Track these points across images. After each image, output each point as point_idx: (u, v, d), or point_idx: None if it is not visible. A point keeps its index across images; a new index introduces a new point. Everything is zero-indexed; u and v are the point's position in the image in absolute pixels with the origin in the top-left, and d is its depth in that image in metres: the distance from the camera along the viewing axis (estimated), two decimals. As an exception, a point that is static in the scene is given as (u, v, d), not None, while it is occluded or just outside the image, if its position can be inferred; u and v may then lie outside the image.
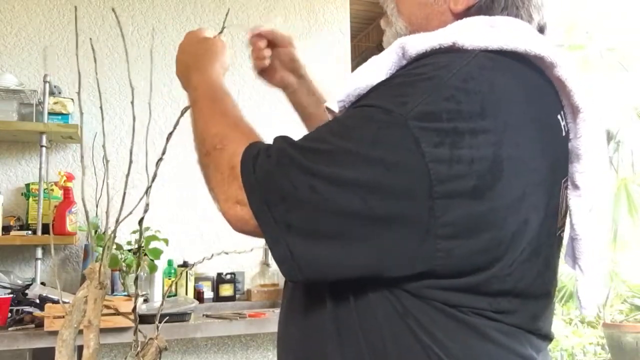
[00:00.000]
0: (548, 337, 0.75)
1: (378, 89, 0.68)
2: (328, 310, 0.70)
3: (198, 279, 2.62)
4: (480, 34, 0.68)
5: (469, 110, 0.62)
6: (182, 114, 0.89)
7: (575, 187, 0.72)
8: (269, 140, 0.75)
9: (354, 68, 3.81)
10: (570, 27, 6.22)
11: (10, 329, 1.89)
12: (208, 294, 2.62)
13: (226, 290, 2.65)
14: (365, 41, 5.72)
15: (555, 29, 6.48)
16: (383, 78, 0.69)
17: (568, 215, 0.74)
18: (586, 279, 0.74)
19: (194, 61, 0.96)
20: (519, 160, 0.64)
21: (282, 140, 0.70)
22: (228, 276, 2.67)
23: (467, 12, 0.75)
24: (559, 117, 0.71)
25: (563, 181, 0.72)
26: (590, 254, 0.73)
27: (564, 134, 0.71)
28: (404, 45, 0.69)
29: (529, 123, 0.66)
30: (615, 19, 6.05)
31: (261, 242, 1.32)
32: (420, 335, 0.65)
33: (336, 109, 0.73)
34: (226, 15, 1.13)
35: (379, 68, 0.70)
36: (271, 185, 0.65)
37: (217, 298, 2.63)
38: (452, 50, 0.67)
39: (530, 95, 0.67)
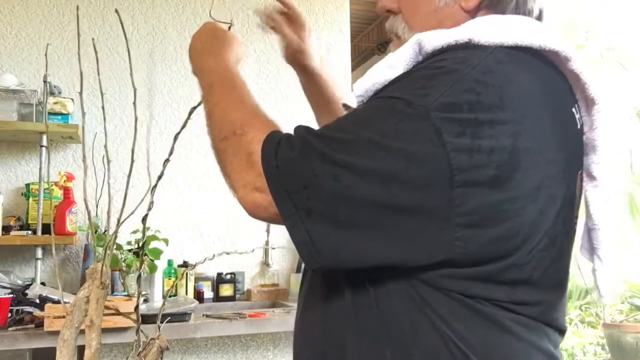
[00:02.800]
0: (563, 331, 0.76)
1: (398, 81, 0.68)
2: (347, 301, 0.70)
3: (198, 279, 2.62)
4: (495, 31, 0.69)
5: (488, 101, 0.63)
6: (190, 115, 0.89)
7: (592, 178, 0.74)
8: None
9: (354, 68, 3.81)
10: (570, 27, 6.23)
11: (10, 329, 1.89)
12: (208, 294, 2.62)
13: (226, 290, 2.65)
14: (365, 41, 5.72)
15: (555, 29, 6.48)
16: (400, 72, 0.70)
17: (585, 206, 0.75)
18: (605, 268, 0.75)
19: (210, 46, 0.92)
20: (536, 151, 0.65)
21: (304, 130, 0.68)
22: (228, 276, 2.67)
23: (479, 8, 0.77)
24: (573, 110, 0.72)
25: (579, 173, 0.73)
26: (609, 243, 0.74)
27: (578, 127, 0.73)
28: (420, 41, 0.70)
29: (545, 116, 0.68)
30: (615, 19, 6.05)
31: (262, 242, 1.32)
32: (440, 326, 0.66)
33: (354, 105, 0.73)
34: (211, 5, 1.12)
35: (396, 63, 0.71)
36: (293, 172, 0.65)
37: (217, 298, 2.63)
38: (468, 47, 0.68)
39: (546, 89, 0.69)
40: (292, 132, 0.69)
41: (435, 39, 0.69)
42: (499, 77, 0.65)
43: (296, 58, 1.15)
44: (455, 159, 0.61)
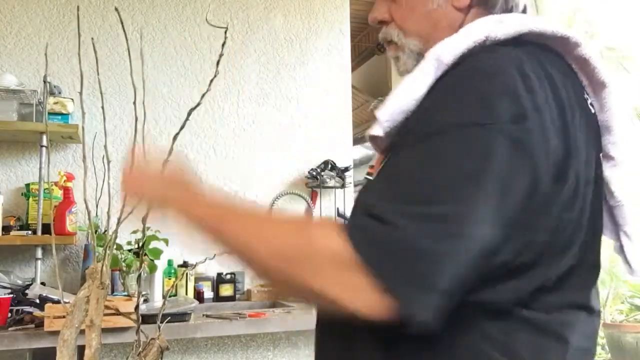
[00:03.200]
0: (599, 312, 0.76)
1: (441, 104, 0.66)
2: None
3: (198, 279, 2.62)
4: (507, 24, 0.70)
5: (540, 103, 0.64)
6: (188, 115, 0.89)
7: (610, 158, 0.75)
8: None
9: (354, 68, 3.80)
10: (570, 27, 6.22)
11: (10, 329, 1.88)
12: (208, 294, 2.62)
13: (226, 290, 2.64)
14: (365, 41, 5.71)
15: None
16: (424, 91, 0.68)
17: (605, 186, 0.76)
18: (635, 243, 0.75)
19: (181, 198, 0.82)
20: (575, 142, 0.67)
21: (384, 203, 0.61)
22: (228, 276, 2.67)
23: (470, 5, 0.79)
24: (585, 96, 0.74)
25: (601, 155, 0.75)
26: (635, 218, 0.75)
27: (593, 111, 0.75)
28: (438, 56, 0.69)
29: (574, 107, 0.69)
30: (616, 19, 6.05)
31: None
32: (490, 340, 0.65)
33: (381, 133, 0.71)
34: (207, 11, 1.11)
35: (418, 83, 0.69)
36: (406, 256, 0.58)
37: (217, 298, 2.63)
38: (486, 46, 0.69)
39: (565, 81, 0.70)
40: (365, 208, 0.62)
41: (452, 47, 0.69)
42: (535, 79, 0.65)
43: None
44: (539, 165, 0.62)
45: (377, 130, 0.71)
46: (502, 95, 0.63)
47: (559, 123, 0.65)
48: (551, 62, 0.70)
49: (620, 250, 0.76)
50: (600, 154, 0.75)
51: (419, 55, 0.80)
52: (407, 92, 0.69)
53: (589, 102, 0.74)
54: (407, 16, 0.82)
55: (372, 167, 0.84)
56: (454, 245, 0.58)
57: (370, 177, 0.80)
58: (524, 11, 0.82)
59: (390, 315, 0.58)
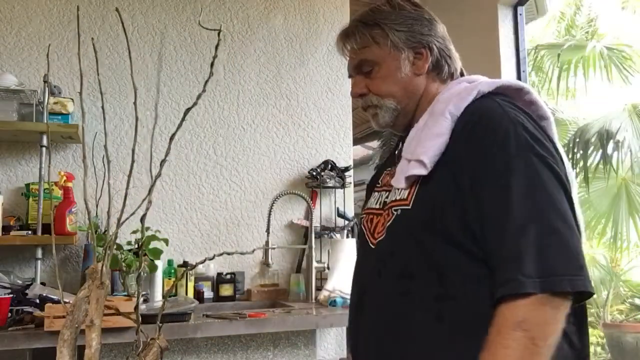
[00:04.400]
0: None
1: (489, 151, 0.90)
2: None
3: (198, 279, 2.62)
4: (486, 84, 0.99)
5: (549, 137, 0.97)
6: (184, 115, 0.88)
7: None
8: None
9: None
10: (571, 27, 6.22)
11: (10, 329, 1.88)
12: (208, 294, 2.62)
13: (226, 290, 2.64)
14: (365, 41, 5.70)
15: (556, 29, 6.48)
16: (447, 138, 0.94)
17: None
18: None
19: None
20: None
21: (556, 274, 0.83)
22: (228, 276, 2.67)
23: (428, 72, 1.07)
24: None
25: None
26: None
27: None
28: (450, 111, 0.95)
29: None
30: (616, 19, 6.04)
31: (262, 242, 1.32)
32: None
33: (426, 172, 0.94)
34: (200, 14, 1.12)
35: (442, 133, 0.94)
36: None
37: (217, 298, 2.63)
38: (478, 98, 0.96)
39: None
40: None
41: (457, 104, 0.95)
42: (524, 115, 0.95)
43: None
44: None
45: (422, 170, 0.94)
46: (523, 135, 0.90)
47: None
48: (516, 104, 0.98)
49: None
50: None
51: (394, 111, 1.07)
52: (439, 141, 0.93)
53: None
54: (382, 86, 1.07)
55: (402, 199, 1.00)
56: (563, 238, 0.85)
57: (407, 207, 0.97)
58: (462, 74, 1.12)
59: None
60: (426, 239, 0.93)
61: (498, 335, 0.81)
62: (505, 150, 0.88)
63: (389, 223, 0.99)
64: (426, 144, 0.94)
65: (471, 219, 0.89)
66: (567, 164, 0.97)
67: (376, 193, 1.10)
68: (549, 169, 0.87)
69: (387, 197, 1.04)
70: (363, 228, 1.09)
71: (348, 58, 1.13)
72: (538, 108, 1.01)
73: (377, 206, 1.06)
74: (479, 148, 0.91)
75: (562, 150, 0.98)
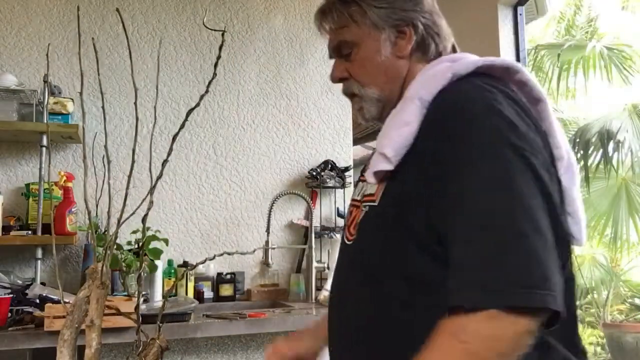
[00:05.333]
0: None
1: (459, 139, 0.79)
2: None
3: (198, 279, 2.62)
4: (464, 63, 0.87)
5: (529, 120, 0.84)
6: (187, 116, 0.88)
7: (554, 158, 0.87)
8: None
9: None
10: (571, 27, 6.22)
11: (10, 329, 1.88)
12: (208, 294, 2.62)
13: (226, 290, 2.64)
14: (365, 41, 5.70)
15: (556, 29, 6.48)
16: (417, 127, 0.83)
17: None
18: (576, 219, 0.88)
19: None
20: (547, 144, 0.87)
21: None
22: (228, 276, 2.67)
23: (411, 53, 0.96)
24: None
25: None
26: (575, 199, 0.90)
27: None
28: (420, 97, 0.85)
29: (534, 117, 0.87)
30: (616, 19, 6.04)
31: (262, 242, 1.32)
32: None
33: (392, 167, 0.85)
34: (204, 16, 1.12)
35: (409, 121, 0.84)
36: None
37: (217, 298, 2.63)
38: (454, 80, 0.85)
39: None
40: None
41: (429, 89, 0.85)
42: (513, 100, 0.83)
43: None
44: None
45: (386, 165, 0.84)
46: (507, 123, 0.79)
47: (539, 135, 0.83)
48: (505, 85, 0.86)
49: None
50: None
51: (378, 101, 0.98)
52: (405, 130, 0.83)
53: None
54: (361, 71, 0.98)
55: (371, 195, 0.92)
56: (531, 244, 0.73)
57: (374, 203, 0.89)
58: (454, 50, 1.00)
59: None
60: (393, 238, 0.85)
61: (433, 344, 0.73)
62: (474, 141, 0.78)
63: (359, 220, 0.93)
64: (391, 134, 0.85)
65: (435, 218, 0.80)
66: (565, 153, 0.87)
67: (360, 183, 1.02)
68: (524, 162, 0.76)
69: (364, 190, 0.96)
70: (346, 220, 1.03)
71: (327, 38, 1.02)
72: (531, 89, 0.90)
73: (358, 198, 0.98)
74: (446, 138, 0.80)
75: (559, 136, 0.88)
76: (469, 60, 0.88)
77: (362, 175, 1.03)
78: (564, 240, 0.81)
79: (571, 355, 0.82)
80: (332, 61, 1.04)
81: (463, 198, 0.76)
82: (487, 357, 0.70)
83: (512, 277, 0.70)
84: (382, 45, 0.96)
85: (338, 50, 1.00)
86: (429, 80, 0.86)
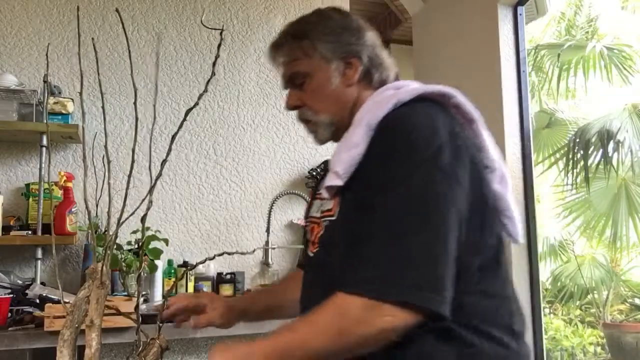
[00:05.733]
0: None
1: (390, 158, 0.88)
2: None
3: (198, 279, 2.62)
4: (408, 90, 0.96)
5: (461, 139, 0.93)
6: (186, 116, 0.88)
7: (487, 167, 0.98)
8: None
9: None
10: (571, 27, 6.21)
11: (10, 329, 1.88)
12: (208, 294, 2.62)
13: (226, 290, 2.64)
14: (365, 41, 5.70)
15: (556, 29, 6.48)
16: (364, 148, 0.91)
17: (487, 185, 0.97)
18: (514, 221, 1.01)
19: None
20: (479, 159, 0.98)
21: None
22: (228, 276, 2.67)
23: (358, 81, 1.06)
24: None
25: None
26: (512, 204, 1.02)
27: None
28: (368, 122, 0.93)
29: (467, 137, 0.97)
30: (616, 19, 6.04)
31: (262, 242, 1.32)
32: None
33: (342, 183, 0.93)
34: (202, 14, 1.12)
35: (359, 143, 0.92)
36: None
37: (217, 298, 2.63)
38: (398, 107, 0.93)
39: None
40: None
41: (376, 114, 0.93)
42: (448, 121, 0.93)
43: (233, 321, 1.26)
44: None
45: (337, 181, 0.93)
46: (436, 141, 0.87)
47: (473, 151, 0.93)
48: (444, 108, 0.97)
49: (504, 228, 1.00)
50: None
51: (330, 126, 1.06)
52: (354, 151, 0.92)
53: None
54: (314, 99, 1.06)
55: (329, 210, 1.01)
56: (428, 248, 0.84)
57: (332, 217, 0.98)
58: (397, 78, 1.10)
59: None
60: (348, 252, 0.91)
61: (322, 307, 0.84)
62: (404, 158, 0.87)
63: (320, 234, 1.01)
64: (342, 155, 0.94)
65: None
66: (498, 165, 0.99)
67: (317, 201, 1.10)
68: (448, 182, 0.85)
69: (322, 206, 1.05)
70: (307, 236, 1.11)
71: (281, 71, 1.11)
72: (465, 111, 1.00)
73: (317, 215, 1.07)
74: (384, 155, 0.89)
75: (492, 151, 1.00)
76: (411, 88, 0.98)
77: (317, 193, 1.13)
78: (494, 239, 0.95)
79: (477, 340, 0.88)
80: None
81: (386, 208, 0.85)
82: (350, 336, 0.82)
83: (408, 279, 0.80)
84: (332, 75, 1.05)
85: (292, 81, 1.09)
86: (375, 107, 0.95)
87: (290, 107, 1.10)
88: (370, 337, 0.82)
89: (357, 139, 0.93)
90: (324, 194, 0.98)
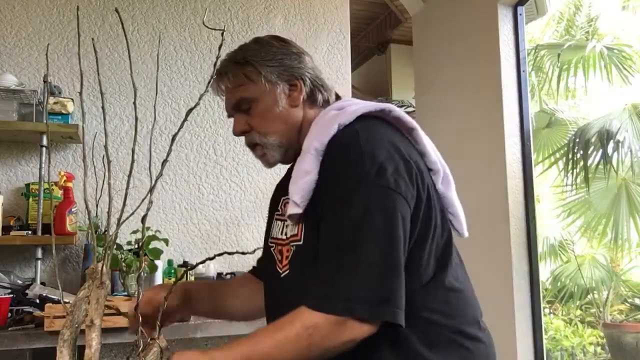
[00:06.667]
0: None
1: (341, 182, 0.94)
2: None
3: (198, 279, 2.62)
4: (350, 112, 1.01)
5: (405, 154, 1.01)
6: (187, 116, 0.88)
7: (430, 170, 1.05)
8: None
9: (354, 68, 3.81)
10: (571, 27, 6.21)
11: (10, 329, 1.88)
12: (208, 294, 2.61)
13: (226, 290, 2.64)
14: (365, 41, 5.71)
15: (556, 29, 6.48)
16: (316, 173, 0.96)
17: (432, 187, 1.04)
18: (458, 218, 1.10)
19: None
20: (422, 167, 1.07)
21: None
22: (228, 276, 2.66)
23: (303, 102, 1.10)
24: (406, 136, 1.08)
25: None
26: (454, 201, 1.11)
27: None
28: (315, 147, 0.98)
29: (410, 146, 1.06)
30: (616, 19, 6.04)
31: (262, 242, 1.32)
32: None
33: (301, 210, 0.97)
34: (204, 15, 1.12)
35: (310, 170, 0.97)
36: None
37: (217, 298, 2.63)
38: (341, 129, 0.99)
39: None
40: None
41: (321, 140, 0.98)
42: (391, 136, 1.01)
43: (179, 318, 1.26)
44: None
45: (297, 209, 0.97)
46: (383, 159, 0.94)
47: (415, 159, 0.99)
48: (383, 123, 1.04)
49: (450, 224, 1.07)
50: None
51: (280, 147, 1.11)
52: (307, 178, 0.96)
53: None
54: (262, 122, 1.09)
55: (295, 235, 1.05)
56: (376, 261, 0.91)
57: (299, 243, 1.02)
58: (338, 97, 1.16)
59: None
60: (310, 271, 0.95)
61: (287, 324, 0.89)
62: (347, 183, 0.93)
63: (289, 257, 1.04)
64: (297, 183, 0.98)
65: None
66: (440, 167, 1.06)
67: (279, 222, 1.13)
68: (389, 199, 0.91)
69: (287, 229, 1.08)
70: (273, 256, 1.12)
71: (224, 98, 1.14)
72: (404, 122, 1.07)
73: (282, 237, 1.09)
74: (331, 179, 0.95)
75: (433, 154, 1.06)
76: (351, 109, 1.03)
77: (277, 213, 1.16)
78: (443, 238, 1.01)
79: (425, 350, 0.95)
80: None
81: (337, 227, 0.92)
82: (320, 350, 0.88)
83: (363, 294, 0.87)
84: (279, 97, 1.09)
85: (238, 107, 1.11)
86: (320, 132, 1.00)
87: (238, 132, 1.13)
88: (334, 349, 0.88)
89: (308, 167, 0.97)
90: (289, 221, 1.03)
